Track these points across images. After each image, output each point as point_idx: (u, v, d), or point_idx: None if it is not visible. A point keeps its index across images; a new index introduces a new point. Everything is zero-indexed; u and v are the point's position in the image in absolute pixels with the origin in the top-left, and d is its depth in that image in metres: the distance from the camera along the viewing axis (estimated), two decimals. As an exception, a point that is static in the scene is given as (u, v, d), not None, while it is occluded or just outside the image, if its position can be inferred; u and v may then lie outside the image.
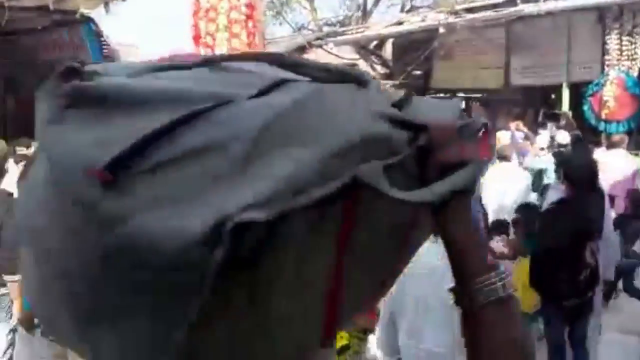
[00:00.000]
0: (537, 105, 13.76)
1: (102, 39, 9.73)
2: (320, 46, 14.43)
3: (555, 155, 7.51)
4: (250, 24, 4.56)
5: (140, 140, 0.62)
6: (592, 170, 3.98)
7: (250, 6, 4.58)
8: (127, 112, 0.66)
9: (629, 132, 9.91)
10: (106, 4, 9.90)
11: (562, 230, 3.58)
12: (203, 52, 4.41)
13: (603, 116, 10.08)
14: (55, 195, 0.67)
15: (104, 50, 9.81)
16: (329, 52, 14.40)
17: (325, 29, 21.97)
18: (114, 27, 10.26)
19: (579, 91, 10.96)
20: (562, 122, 9.86)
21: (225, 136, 0.64)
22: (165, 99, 0.68)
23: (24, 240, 0.78)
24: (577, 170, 3.99)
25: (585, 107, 10.38)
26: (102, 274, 0.64)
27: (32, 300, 0.82)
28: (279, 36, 20.11)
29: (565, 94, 11.10)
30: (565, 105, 11.06)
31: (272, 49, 14.45)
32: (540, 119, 10.73)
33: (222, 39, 4.32)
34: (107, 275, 0.64)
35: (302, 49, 14.36)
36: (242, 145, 0.63)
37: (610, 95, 9.91)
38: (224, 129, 0.64)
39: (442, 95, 15.69)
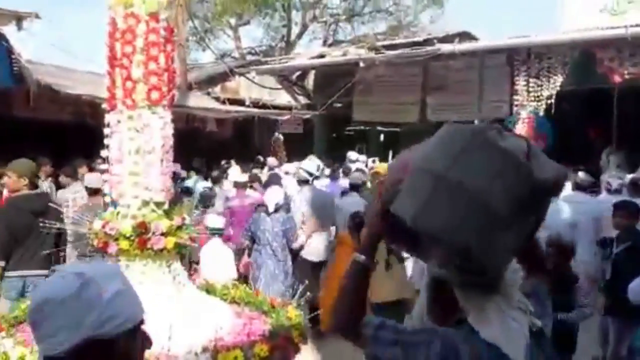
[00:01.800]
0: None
1: (13, 56, 9.30)
2: (243, 74, 14.42)
3: None
4: (168, 47, 4.46)
5: None
6: None
7: (169, 29, 4.49)
8: None
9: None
10: (19, 21, 9.51)
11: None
12: (118, 73, 4.27)
13: (513, 153, 10.58)
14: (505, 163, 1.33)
15: (14, 68, 9.39)
16: (251, 81, 14.41)
17: (249, 57, 22.03)
18: (26, 45, 9.80)
19: (489, 128, 11.49)
20: None
21: None
22: None
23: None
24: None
25: (496, 144, 10.88)
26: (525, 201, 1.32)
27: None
28: (202, 62, 19.96)
29: (477, 131, 11.58)
30: (477, 142, 11.54)
31: (194, 74, 14.30)
32: None
33: (139, 61, 4.20)
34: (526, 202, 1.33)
35: (224, 76, 14.29)
36: None
37: (522, 134, 10.43)
38: None
39: (362, 127, 16.08)
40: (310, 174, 7.20)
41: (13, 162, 5.24)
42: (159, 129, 4.03)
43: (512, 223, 1.29)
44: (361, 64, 12.52)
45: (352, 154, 11.45)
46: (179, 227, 3.76)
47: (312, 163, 7.95)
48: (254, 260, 6.44)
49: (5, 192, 5.95)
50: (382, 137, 16.75)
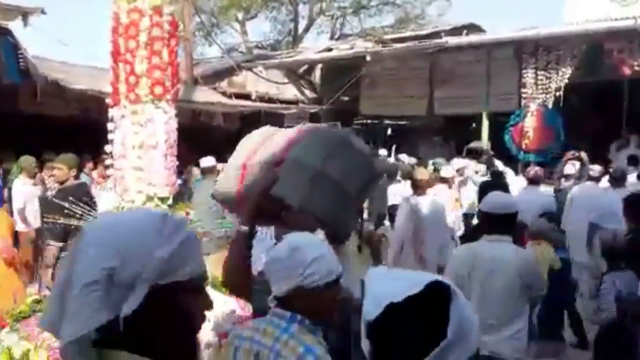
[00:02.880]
0: (458, 134, 14.25)
1: (20, 52, 9.31)
2: (249, 69, 14.40)
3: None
4: (172, 42, 4.44)
5: None
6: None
7: (173, 24, 4.46)
8: None
9: (545, 163, 10.39)
10: (24, 17, 9.52)
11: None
12: (122, 68, 4.26)
13: (523, 146, 10.51)
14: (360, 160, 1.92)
15: (21, 64, 9.41)
16: (258, 75, 14.39)
17: (256, 52, 21.97)
18: (32, 40, 9.83)
19: (497, 121, 11.41)
20: (483, 157, 10.18)
21: None
22: None
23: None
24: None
25: (507, 137, 10.79)
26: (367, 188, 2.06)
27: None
28: (209, 57, 19.95)
29: (485, 124, 11.53)
30: (485, 134, 11.49)
31: (200, 69, 14.29)
32: (464, 154, 11.06)
33: (142, 56, 4.18)
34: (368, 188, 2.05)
35: (231, 70, 14.27)
36: None
37: (530, 127, 10.36)
38: None
39: (368, 121, 16.02)
40: None
41: (61, 155, 5.54)
42: (162, 123, 4.02)
43: (357, 203, 1.81)
44: (368, 58, 12.47)
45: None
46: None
47: None
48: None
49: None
50: (389, 130, 16.68)
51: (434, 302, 1.12)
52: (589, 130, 12.20)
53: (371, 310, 1.13)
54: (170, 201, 3.94)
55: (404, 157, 10.88)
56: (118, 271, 1.02)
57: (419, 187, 5.93)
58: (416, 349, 1.09)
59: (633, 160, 8.83)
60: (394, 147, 11.37)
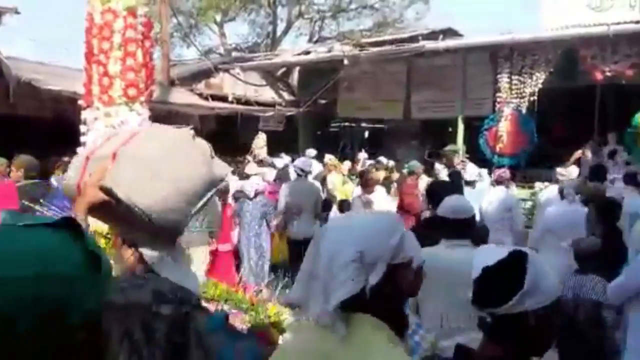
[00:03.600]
0: (435, 137, 14.37)
1: (-9, 51, 9.19)
2: (227, 70, 14.35)
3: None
4: (147, 43, 4.41)
5: None
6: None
7: (147, 25, 4.44)
8: None
9: (518, 166, 10.54)
10: (-3, 16, 9.39)
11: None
12: (95, 69, 4.22)
13: (497, 150, 10.63)
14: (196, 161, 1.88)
15: (-6, 63, 9.27)
16: (235, 77, 14.35)
17: (234, 54, 21.94)
18: (8, 41, 9.69)
19: (472, 125, 11.53)
20: (444, 160, 10.43)
21: None
22: None
23: None
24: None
25: (481, 141, 10.92)
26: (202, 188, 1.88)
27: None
28: (186, 59, 19.83)
29: (460, 128, 11.65)
30: (460, 138, 11.60)
31: (177, 70, 14.21)
32: (425, 156, 11.26)
33: (116, 57, 4.14)
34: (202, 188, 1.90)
35: (208, 72, 14.21)
36: None
37: (504, 131, 10.49)
38: None
39: (346, 124, 16.09)
40: (303, 170, 7.86)
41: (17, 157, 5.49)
42: (136, 125, 3.99)
43: (192, 200, 1.80)
44: (346, 61, 12.52)
45: (310, 151, 11.47)
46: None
47: (307, 161, 8.61)
48: (240, 241, 7.39)
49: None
50: (366, 133, 16.76)
51: (515, 263, 1.56)
52: (562, 135, 12.40)
53: (475, 272, 1.60)
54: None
55: (382, 159, 10.99)
56: (366, 253, 1.40)
57: (368, 185, 6.64)
58: (503, 295, 1.53)
59: (612, 155, 9.10)
60: (364, 150, 11.50)
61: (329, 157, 10.03)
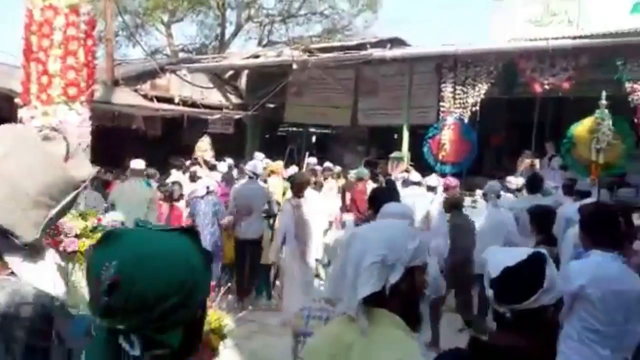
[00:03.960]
0: (381, 144, 14.58)
1: None
2: (173, 72, 14.14)
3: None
4: (89, 42, 4.31)
5: None
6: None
7: (90, 23, 4.33)
8: None
9: (460, 174, 10.81)
10: None
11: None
12: (34, 67, 4.10)
13: (440, 158, 10.86)
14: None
15: None
16: (182, 79, 14.15)
17: (181, 55, 21.65)
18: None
19: (417, 133, 11.76)
20: (379, 169, 10.73)
21: None
22: None
23: None
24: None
25: (425, 149, 11.13)
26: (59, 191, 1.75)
27: None
28: (132, 58, 19.43)
29: (406, 135, 11.86)
30: (405, 145, 11.81)
31: (122, 70, 13.90)
32: (362, 165, 11.53)
33: (56, 56, 4.03)
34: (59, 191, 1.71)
35: (154, 73, 13.96)
36: None
37: (447, 139, 10.72)
38: None
39: (293, 128, 16.12)
40: (255, 173, 8.13)
41: None
42: (75, 126, 3.88)
43: (39, 202, 1.70)
44: (294, 66, 12.54)
45: (258, 154, 11.55)
46: (94, 229, 3.62)
47: (258, 163, 8.90)
48: None
49: None
50: (314, 138, 16.83)
51: (534, 264, 1.77)
52: (502, 144, 12.82)
53: (494, 271, 1.77)
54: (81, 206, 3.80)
55: (311, 159, 11.18)
56: (387, 256, 1.64)
57: (298, 190, 6.97)
58: (523, 294, 1.73)
59: (551, 159, 9.63)
60: (309, 155, 11.62)
61: (266, 162, 10.10)
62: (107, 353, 1.06)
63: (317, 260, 7.46)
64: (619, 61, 9.09)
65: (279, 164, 10.20)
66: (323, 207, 7.91)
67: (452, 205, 6.98)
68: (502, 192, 8.02)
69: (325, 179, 10.10)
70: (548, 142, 10.88)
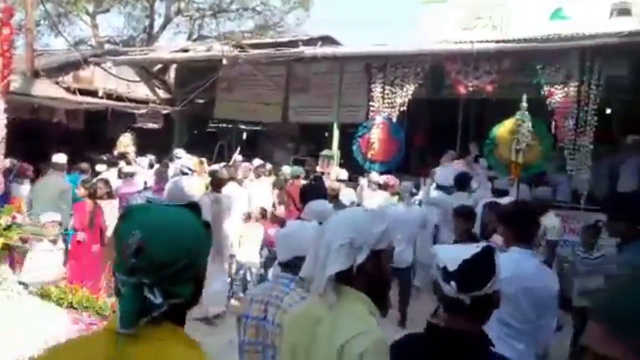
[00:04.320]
0: (312, 142, 14.63)
1: None
2: (98, 64, 13.64)
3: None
4: (6, 30, 4.09)
5: None
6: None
7: (7, 11, 4.11)
8: None
9: (389, 172, 11.01)
10: None
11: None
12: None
13: (369, 156, 11.01)
14: None
15: None
16: (107, 71, 13.69)
17: (107, 47, 20.94)
18: None
19: (347, 131, 11.88)
20: (307, 166, 10.87)
21: None
22: None
23: None
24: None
25: (354, 147, 11.26)
26: None
27: None
28: (54, 49, 18.61)
29: (336, 134, 11.96)
30: (335, 144, 11.91)
31: (43, 61, 13.30)
32: (290, 163, 11.60)
33: (-32, 43, 3.80)
34: None
35: (77, 64, 13.44)
36: None
37: (376, 138, 10.88)
38: None
39: (223, 125, 15.92)
40: (190, 169, 8.35)
41: None
42: (-12, 118, 3.68)
43: None
44: (225, 61, 12.38)
45: (177, 151, 11.44)
46: (8, 227, 3.44)
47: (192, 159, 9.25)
48: None
49: None
50: (244, 135, 16.69)
51: (487, 255, 2.00)
52: (428, 144, 13.15)
53: (451, 265, 1.96)
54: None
55: (238, 156, 11.23)
56: (355, 239, 1.83)
57: (217, 185, 7.18)
58: (482, 281, 1.96)
59: (477, 159, 10.15)
60: (238, 151, 11.57)
61: (188, 157, 10.05)
62: (136, 302, 1.31)
63: (232, 255, 7.64)
64: (538, 66, 9.51)
65: (202, 161, 10.17)
66: (244, 204, 8.16)
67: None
68: (432, 189, 8.38)
69: (258, 176, 10.05)
70: (472, 143, 11.25)
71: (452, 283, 1.97)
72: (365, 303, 1.82)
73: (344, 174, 10.09)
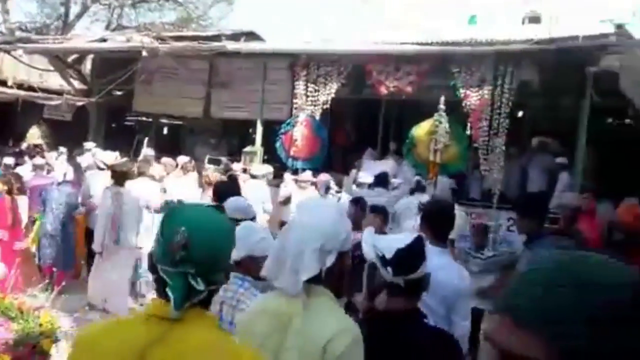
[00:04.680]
0: (235, 137, 14.49)
1: None
2: (8, 52, 12.91)
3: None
4: None
5: None
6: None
7: None
8: None
9: (313, 170, 11.09)
10: None
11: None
12: None
13: (292, 153, 11.03)
14: None
15: None
16: (17, 60, 12.98)
17: (18, 33, 19.81)
18: None
19: (271, 128, 11.85)
20: (222, 165, 10.83)
21: None
22: None
23: None
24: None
25: (278, 145, 11.24)
26: None
27: None
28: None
29: (259, 130, 11.90)
30: (259, 140, 11.86)
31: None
32: (206, 162, 11.49)
33: None
34: None
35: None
36: None
37: (299, 136, 10.91)
38: None
39: (143, 118, 15.47)
40: (106, 164, 8.41)
41: None
42: None
43: None
44: (144, 53, 12.03)
45: (87, 144, 11.18)
46: None
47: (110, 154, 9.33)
48: (43, 229, 7.83)
49: None
50: (165, 129, 16.29)
51: (419, 244, 2.39)
52: (350, 142, 13.34)
53: (388, 253, 2.31)
54: None
55: (148, 150, 11.29)
56: (325, 245, 1.98)
57: (119, 178, 7.19)
58: (415, 266, 2.33)
59: (397, 155, 10.58)
60: (145, 141, 11.37)
61: (107, 153, 9.83)
62: (184, 289, 1.54)
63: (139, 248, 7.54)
64: (454, 69, 9.84)
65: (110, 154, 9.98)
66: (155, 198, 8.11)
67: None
68: (354, 186, 8.59)
69: (187, 171, 9.88)
70: (392, 142, 11.51)
71: (389, 269, 2.30)
72: (333, 299, 2.04)
73: (266, 168, 10.06)
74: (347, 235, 2.07)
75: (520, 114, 11.46)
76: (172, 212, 1.65)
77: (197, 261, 1.54)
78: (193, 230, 1.55)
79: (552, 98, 10.16)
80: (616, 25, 6.71)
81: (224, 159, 11.62)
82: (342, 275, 2.11)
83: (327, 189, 8.55)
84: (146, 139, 11.50)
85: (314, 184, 9.43)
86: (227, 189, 5.06)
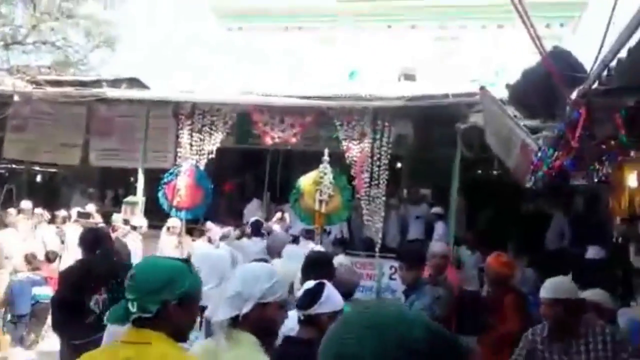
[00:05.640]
0: (116, 186, 13.95)
1: None
2: None
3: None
4: None
5: None
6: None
7: None
8: None
9: (196, 219, 10.89)
10: None
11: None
12: None
13: (175, 203, 10.78)
14: None
15: None
16: None
17: None
18: None
19: (154, 177, 11.54)
20: (91, 218, 10.53)
21: None
22: None
23: None
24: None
25: (160, 194, 10.94)
26: None
27: None
28: None
29: (141, 179, 11.56)
30: (141, 189, 11.50)
31: None
32: (76, 216, 11.01)
33: None
34: None
35: None
36: None
37: (183, 185, 10.71)
38: None
39: (14, 166, 14.50)
40: None
41: None
42: None
43: None
44: (16, 97, 11.39)
45: None
46: None
47: None
48: None
49: None
50: (39, 177, 15.35)
51: (319, 287, 2.91)
52: (236, 192, 13.31)
53: (299, 291, 2.98)
54: None
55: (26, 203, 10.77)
56: (242, 292, 2.29)
57: None
58: (310, 304, 2.85)
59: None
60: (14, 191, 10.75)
61: None
62: (122, 310, 2.14)
63: None
64: (337, 122, 10.21)
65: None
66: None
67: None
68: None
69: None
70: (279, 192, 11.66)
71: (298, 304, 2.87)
72: (251, 341, 2.28)
73: (140, 220, 9.96)
74: (268, 289, 2.32)
75: (398, 165, 12.04)
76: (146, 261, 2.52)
77: (136, 291, 2.12)
78: (138, 270, 2.21)
79: (427, 151, 10.77)
80: (480, 86, 7.32)
81: (93, 212, 11.09)
82: (263, 326, 2.34)
83: (222, 237, 8.48)
84: (13, 188, 10.79)
85: (203, 233, 9.39)
86: (94, 239, 5.22)
